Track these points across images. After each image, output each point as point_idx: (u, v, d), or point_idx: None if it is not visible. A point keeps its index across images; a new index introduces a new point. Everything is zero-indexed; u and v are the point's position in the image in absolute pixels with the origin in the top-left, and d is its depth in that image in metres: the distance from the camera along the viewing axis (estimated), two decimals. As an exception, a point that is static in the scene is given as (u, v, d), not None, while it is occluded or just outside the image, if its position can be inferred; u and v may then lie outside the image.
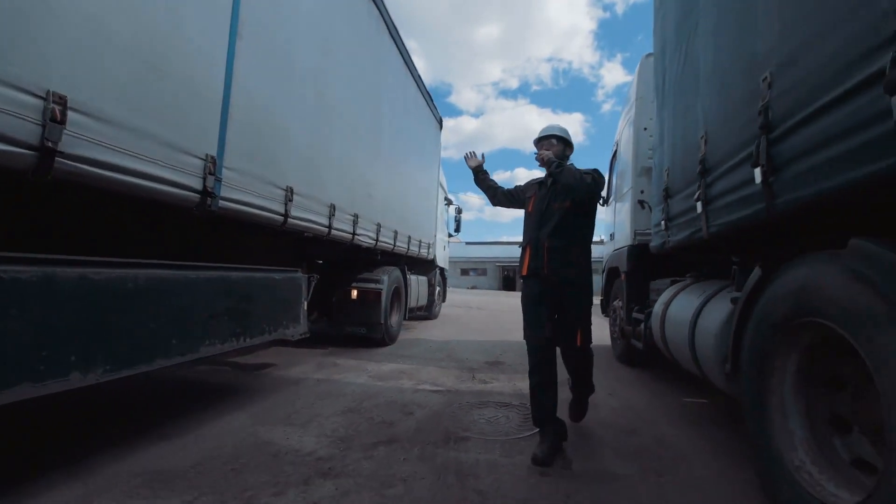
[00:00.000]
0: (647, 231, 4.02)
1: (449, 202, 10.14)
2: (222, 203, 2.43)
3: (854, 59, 1.26)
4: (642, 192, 4.52)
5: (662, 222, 3.23)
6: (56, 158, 1.55)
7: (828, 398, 1.61)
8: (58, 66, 1.57)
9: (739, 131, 1.97)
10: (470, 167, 3.00)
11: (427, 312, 8.81)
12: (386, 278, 5.35)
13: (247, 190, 2.66)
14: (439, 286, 9.47)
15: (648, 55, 4.45)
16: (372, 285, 5.17)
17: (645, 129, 4.57)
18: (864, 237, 1.32)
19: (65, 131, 1.57)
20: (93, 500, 1.67)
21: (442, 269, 9.63)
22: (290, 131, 3.16)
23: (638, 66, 4.82)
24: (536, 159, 2.64)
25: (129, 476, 1.87)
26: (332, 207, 3.81)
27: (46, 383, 1.56)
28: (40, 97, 1.50)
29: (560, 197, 2.50)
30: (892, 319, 1.15)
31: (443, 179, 9.17)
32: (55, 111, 1.52)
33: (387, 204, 5.34)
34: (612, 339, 5.46)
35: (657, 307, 3.54)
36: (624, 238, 4.97)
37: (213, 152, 2.34)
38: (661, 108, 3.44)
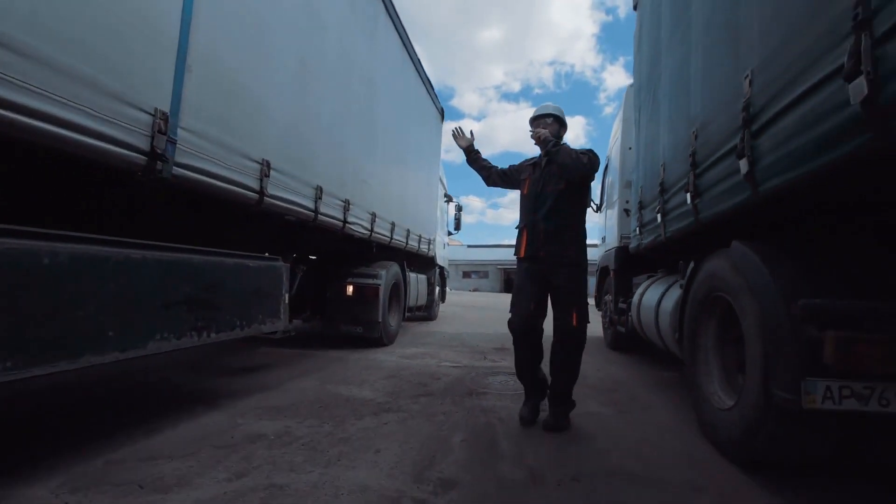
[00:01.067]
0: (630, 235, 4.83)
1: (449, 199, 9.78)
2: (177, 170, 2.05)
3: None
4: (627, 201, 5.31)
5: (637, 228, 4.02)
6: None
7: (734, 349, 2.39)
8: None
9: (681, 165, 2.75)
10: (460, 146, 2.97)
11: (426, 313, 8.45)
12: (384, 273, 4.97)
13: (211, 158, 2.27)
14: (439, 286, 9.17)
15: (632, 84, 5.26)
16: (369, 280, 4.78)
17: (630, 148, 5.36)
18: (740, 241, 2.11)
19: None
20: (237, 420, 2.44)
21: (442, 269, 9.34)
22: (266, 97, 2.79)
23: (625, 92, 5.63)
24: (532, 137, 2.64)
25: (256, 409, 2.62)
26: (319, 190, 3.45)
27: None
28: None
29: (555, 178, 2.51)
30: (746, 289, 1.94)
31: (442, 175, 8.86)
32: None
33: (384, 192, 5.01)
34: (604, 328, 6.24)
35: (635, 297, 4.33)
36: (613, 241, 5.73)
37: (166, 108, 1.97)
38: (638, 137, 4.23)
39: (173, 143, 2.03)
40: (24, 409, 2.52)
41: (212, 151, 2.29)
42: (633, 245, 4.33)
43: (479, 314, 11.54)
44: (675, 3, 3.03)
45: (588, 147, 2.53)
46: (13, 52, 1.38)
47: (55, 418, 2.41)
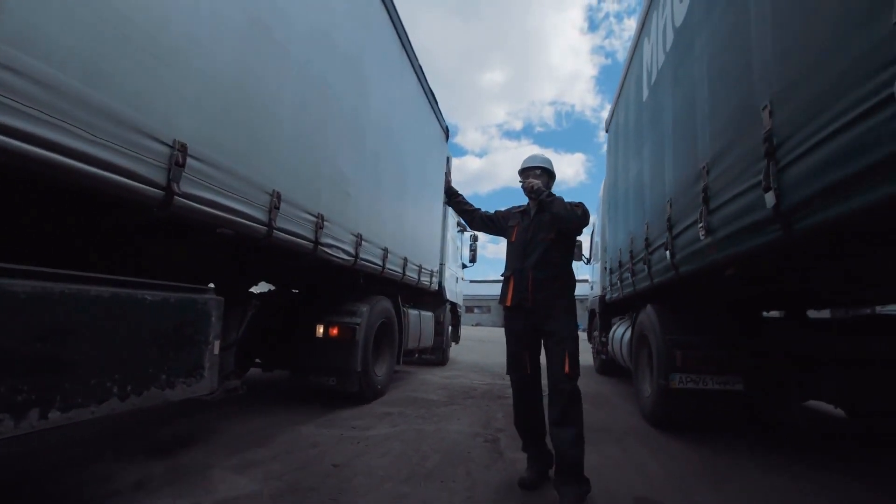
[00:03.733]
0: (607, 288, 6.69)
1: (463, 229, 9.15)
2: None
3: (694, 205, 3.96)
4: (608, 261, 7.22)
5: (609, 286, 5.90)
6: None
7: (651, 363, 4.16)
8: None
9: (625, 255, 4.64)
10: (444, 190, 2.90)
11: (435, 356, 7.49)
12: (366, 310, 4.05)
13: (108, 143, 1.58)
14: (451, 325, 8.12)
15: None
16: (345, 319, 3.89)
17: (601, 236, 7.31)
18: (652, 304, 3.93)
19: None
20: (381, 409, 4.16)
21: (454, 305, 8.43)
22: (199, 73, 2.04)
23: (602, 183, 7.65)
24: (524, 188, 2.60)
25: (378, 405, 4.37)
26: (277, 196, 2.63)
27: None
28: None
29: (546, 228, 2.49)
30: (651, 330, 3.74)
31: None
32: None
33: (374, 211, 4.17)
34: (594, 357, 8.00)
35: (611, 332, 6.14)
36: (597, 290, 7.59)
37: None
38: (603, 229, 6.20)
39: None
40: None
41: (102, 130, 1.55)
42: (607, 297, 6.18)
43: (489, 347, 13.20)
44: (636, 132, 4.94)
45: (579, 202, 2.49)
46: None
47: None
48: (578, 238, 3.13)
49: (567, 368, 2.27)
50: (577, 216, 2.41)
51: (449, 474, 2.47)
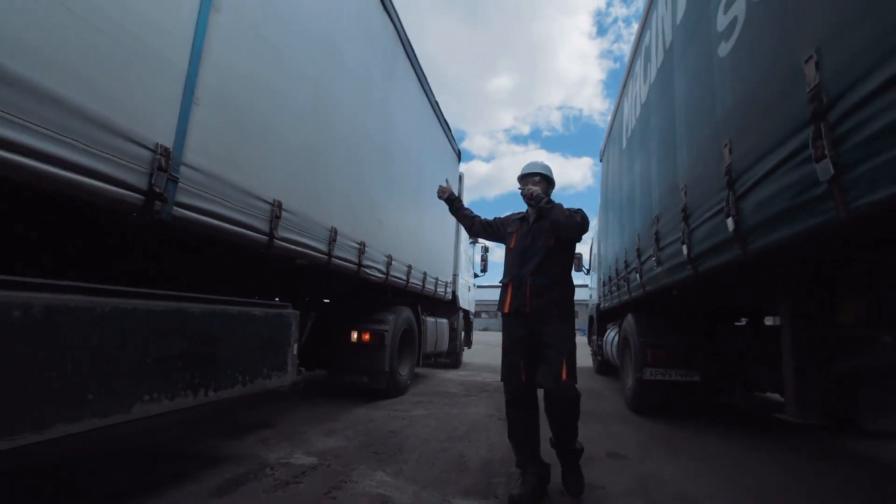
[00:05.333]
0: (603, 297, 7.63)
1: (474, 241, 9.83)
2: (178, 211, 1.94)
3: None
4: (602, 274, 8.15)
5: (603, 295, 6.84)
6: None
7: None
8: None
9: (615, 270, 5.58)
10: (441, 199, 2.95)
11: (449, 360, 8.37)
12: (393, 318, 4.78)
13: (215, 198, 2.15)
14: (463, 331, 9.02)
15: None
16: (375, 326, 4.62)
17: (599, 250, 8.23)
18: (632, 313, 4.86)
19: None
20: (414, 398, 5.12)
21: (467, 312, 9.27)
22: (278, 133, 2.73)
23: (598, 204, 8.61)
24: (523, 195, 2.60)
25: (411, 396, 5.33)
26: (334, 231, 3.36)
27: None
28: None
29: (545, 234, 2.49)
30: (631, 334, 4.68)
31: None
32: None
33: (399, 234, 4.91)
34: (593, 359, 8.93)
35: (605, 336, 7.08)
36: (596, 298, 8.54)
37: (168, 143, 1.86)
38: (601, 239, 7.15)
39: (174, 180, 1.92)
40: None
41: (217, 190, 2.17)
42: (602, 305, 7.12)
43: (499, 351, 14.10)
44: (616, 183, 5.93)
45: (578, 208, 2.49)
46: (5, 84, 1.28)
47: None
48: (579, 251, 3.85)
49: (564, 375, 2.28)
50: (576, 223, 2.41)
51: (474, 438, 3.42)
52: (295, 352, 2.86)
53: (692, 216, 2.66)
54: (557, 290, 2.45)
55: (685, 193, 2.74)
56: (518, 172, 2.75)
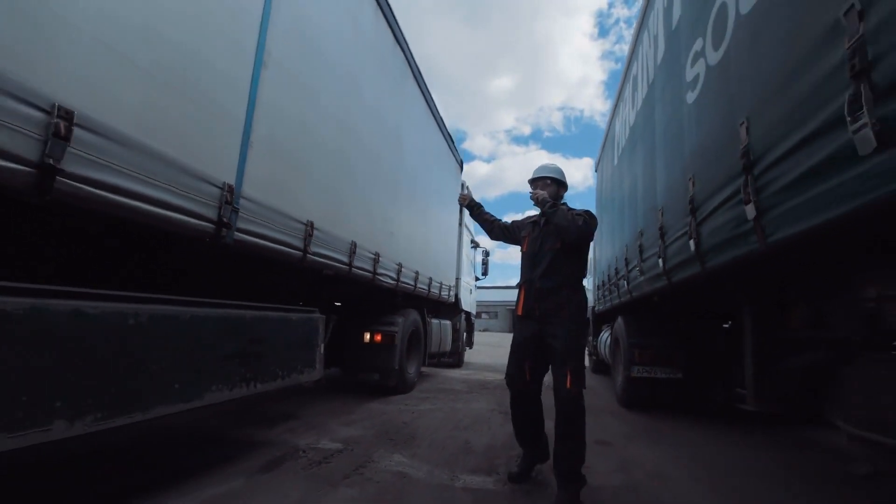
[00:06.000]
0: (598, 300, 8.06)
1: (476, 245, 10.20)
2: (238, 235, 2.33)
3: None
4: (597, 279, 8.58)
5: (598, 298, 7.27)
6: (57, 178, 1.46)
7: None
8: (67, 79, 1.51)
9: (607, 275, 6.00)
10: (463, 205, 3.11)
11: (452, 359, 8.69)
12: (401, 321, 5.16)
13: (265, 222, 2.57)
14: (465, 332, 9.37)
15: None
16: (386, 327, 4.99)
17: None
18: (622, 315, 5.29)
19: (69, 149, 1.49)
20: (422, 393, 5.53)
21: (468, 314, 9.57)
22: (311, 165, 3.13)
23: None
24: (531, 198, 2.64)
25: (418, 392, 5.75)
26: (354, 245, 3.76)
27: (24, 434, 1.35)
28: (45, 111, 1.43)
29: (552, 238, 2.52)
30: (621, 335, 5.10)
31: (468, 222, 8.91)
32: (60, 126, 1.45)
33: (408, 244, 5.29)
34: (588, 358, 9.37)
35: (599, 336, 7.51)
36: (592, 301, 8.97)
37: (231, 181, 2.26)
38: (596, 245, 7.58)
39: (236, 211, 2.31)
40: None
41: (266, 216, 2.58)
42: (597, 308, 7.55)
43: (500, 351, 14.53)
44: (609, 195, 6.36)
45: (585, 209, 2.51)
46: (117, 144, 1.66)
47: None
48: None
49: (569, 383, 2.29)
50: (577, 226, 2.39)
51: (477, 428, 3.84)
52: (322, 351, 3.25)
53: (667, 234, 3.08)
54: (565, 293, 2.47)
55: (661, 214, 3.17)
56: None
